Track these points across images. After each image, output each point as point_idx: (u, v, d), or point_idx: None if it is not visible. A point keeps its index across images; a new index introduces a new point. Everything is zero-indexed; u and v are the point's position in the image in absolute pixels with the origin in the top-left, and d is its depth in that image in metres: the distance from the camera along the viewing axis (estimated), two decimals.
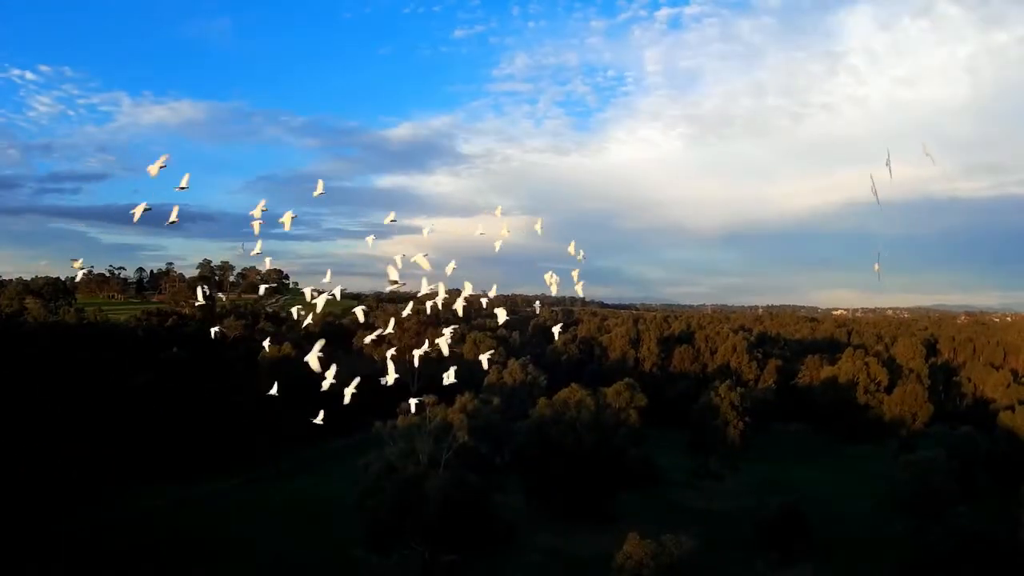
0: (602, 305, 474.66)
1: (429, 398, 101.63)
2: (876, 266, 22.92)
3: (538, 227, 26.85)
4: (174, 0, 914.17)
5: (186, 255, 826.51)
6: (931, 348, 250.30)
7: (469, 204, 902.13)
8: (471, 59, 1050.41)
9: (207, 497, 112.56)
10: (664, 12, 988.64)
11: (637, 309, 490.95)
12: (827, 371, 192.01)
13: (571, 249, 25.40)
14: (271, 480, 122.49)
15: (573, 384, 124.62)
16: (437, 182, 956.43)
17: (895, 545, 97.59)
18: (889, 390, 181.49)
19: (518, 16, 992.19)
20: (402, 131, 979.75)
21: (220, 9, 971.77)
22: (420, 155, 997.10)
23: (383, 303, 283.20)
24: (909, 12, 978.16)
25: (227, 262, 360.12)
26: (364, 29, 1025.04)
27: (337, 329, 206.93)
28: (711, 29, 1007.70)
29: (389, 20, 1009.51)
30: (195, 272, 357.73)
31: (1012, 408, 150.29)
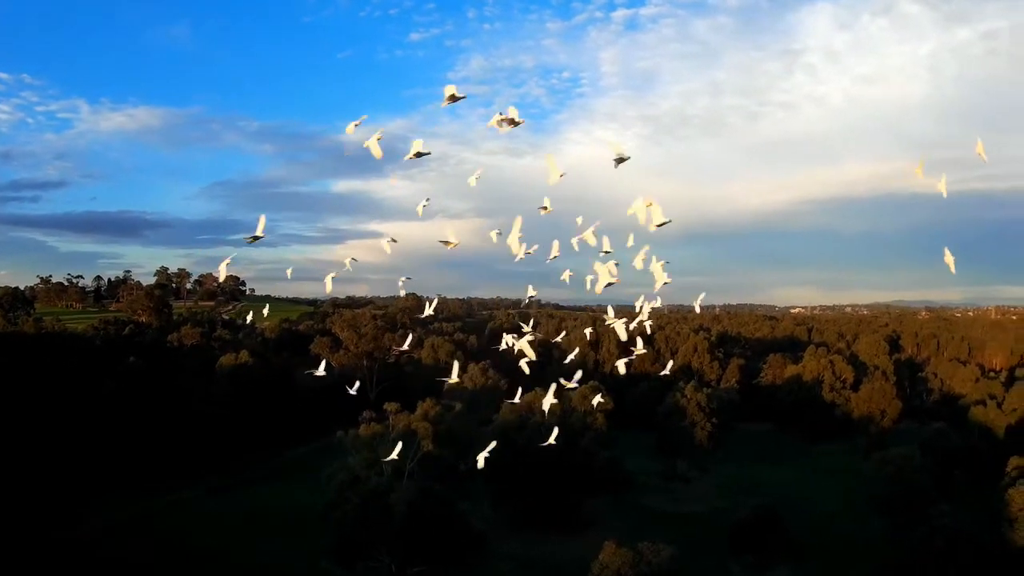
0: (557, 307, 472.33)
1: (391, 405, 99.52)
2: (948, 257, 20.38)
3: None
4: (133, 7, 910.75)
5: (143, 263, 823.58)
6: (894, 345, 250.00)
7: (424, 208, 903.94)
8: (427, 62, 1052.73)
9: (171, 508, 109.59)
10: (620, 13, 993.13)
11: (594, 311, 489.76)
12: (791, 370, 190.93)
13: (590, 238, 22.49)
14: (234, 490, 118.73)
15: (537, 388, 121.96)
16: (392, 186, 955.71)
17: (874, 545, 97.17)
18: (855, 387, 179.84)
19: (474, 19, 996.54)
20: (358, 135, 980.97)
21: (179, 15, 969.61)
22: (375, 159, 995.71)
23: (339, 308, 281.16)
24: (869, 11, 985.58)
25: (183, 269, 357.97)
26: (322, 33, 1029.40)
27: (294, 336, 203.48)
28: (668, 30, 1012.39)
29: (346, 24, 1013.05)
30: (152, 280, 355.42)
31: (983, 403, 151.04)
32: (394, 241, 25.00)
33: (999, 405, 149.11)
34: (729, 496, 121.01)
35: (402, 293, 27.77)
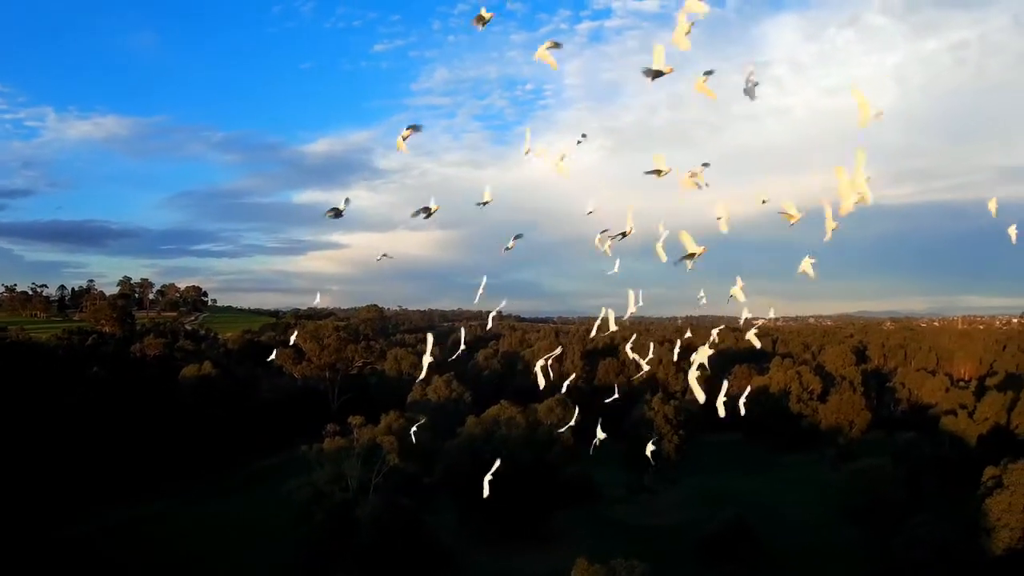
0: (520, 319, 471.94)
1: (356, 419, 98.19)
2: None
3: (590, 207, 22.76)
4: (100, 15, 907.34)
5: (107, 272, 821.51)
6: (861, 355, 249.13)
7: (386, 219, 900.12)
8: (391, 73, 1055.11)
9: (136, 521, 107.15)
10: (585, 25, 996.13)
11: (555, 322, 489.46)
12: (757, 381, 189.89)
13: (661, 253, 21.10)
14: (198, 503, 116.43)
15: (503, 401, 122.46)
16: (354, 196, 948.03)
17: (850, 556, 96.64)
18: (822, 398, 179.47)
19: (439, 30, 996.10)
20: (320, 146, 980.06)
21: (146, 24, 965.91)
22: (338, 170, 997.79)
23: (301, 319, 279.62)
24: (836, 23, 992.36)
25: (147, 279, 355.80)
26: (286, 44, 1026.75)
27: (256, 347, 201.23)
28: (632, 42, 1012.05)
29: (311, 35, 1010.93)
30: (116, 289, 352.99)
31: (955, 413, 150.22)
32: (388, 256, 23.58)
33: (971, 415, 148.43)
34: (698, 508, 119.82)
35: (378, 259, 25.84)
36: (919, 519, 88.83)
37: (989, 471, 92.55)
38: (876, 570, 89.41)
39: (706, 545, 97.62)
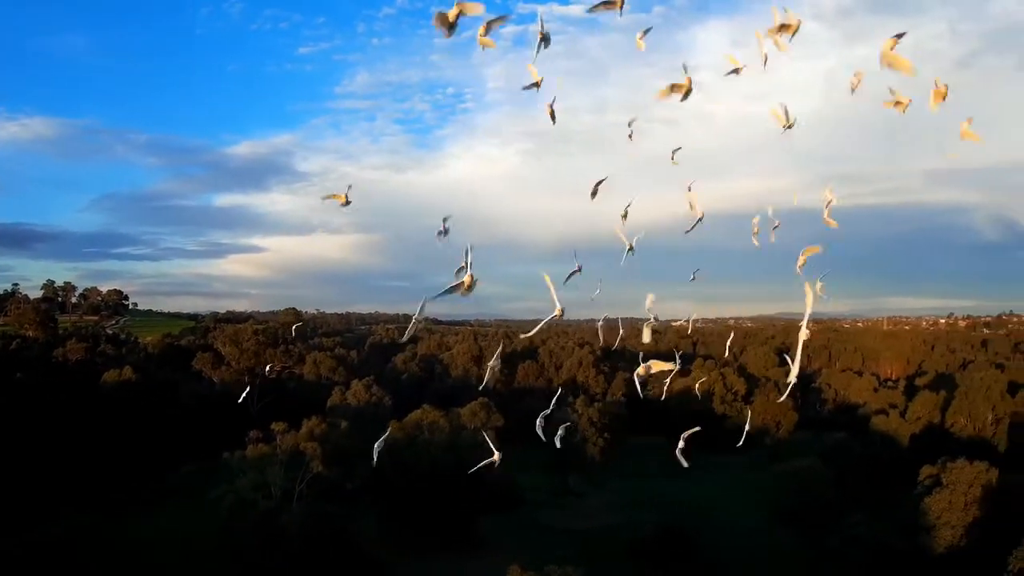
0: (437, 322, 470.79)
1: (278, 425, 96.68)
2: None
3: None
4: (29, 16, 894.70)
5: (32, 275, 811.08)
6: (784, 356, 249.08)
7: (305, 222, 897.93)
8: (314, 77, 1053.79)
9: (60, 537, 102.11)
10: (509, 30, 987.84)
11: (472, 325, 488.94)
12: (680, 383, 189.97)
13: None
14: (121, 516, 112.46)
15: (425, 405, 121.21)
16: (274, 200, 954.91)
17: (785, 557, 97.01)
18: (747, 399, 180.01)
19: (363, 33, 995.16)
20: (243, 149, 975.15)
21: (75, 25, 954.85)
22: (259, 173, 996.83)
23: (221, 323, 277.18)
24: (764, 28, 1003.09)
25: (70, 283, 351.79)
26: (213, 46, 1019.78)
27: (176, 351, 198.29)
28: (557, 46, 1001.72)
29: (237, 37, 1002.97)
30: (40, 293, 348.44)
31: (885, 412, 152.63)
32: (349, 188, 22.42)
33: (902, 414, 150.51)
34: (626, 511, 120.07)
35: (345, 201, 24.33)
36: (855, 519, 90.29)
37: (926, 470, 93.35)
38: (812, 571, 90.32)
39: (638, 549, 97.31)
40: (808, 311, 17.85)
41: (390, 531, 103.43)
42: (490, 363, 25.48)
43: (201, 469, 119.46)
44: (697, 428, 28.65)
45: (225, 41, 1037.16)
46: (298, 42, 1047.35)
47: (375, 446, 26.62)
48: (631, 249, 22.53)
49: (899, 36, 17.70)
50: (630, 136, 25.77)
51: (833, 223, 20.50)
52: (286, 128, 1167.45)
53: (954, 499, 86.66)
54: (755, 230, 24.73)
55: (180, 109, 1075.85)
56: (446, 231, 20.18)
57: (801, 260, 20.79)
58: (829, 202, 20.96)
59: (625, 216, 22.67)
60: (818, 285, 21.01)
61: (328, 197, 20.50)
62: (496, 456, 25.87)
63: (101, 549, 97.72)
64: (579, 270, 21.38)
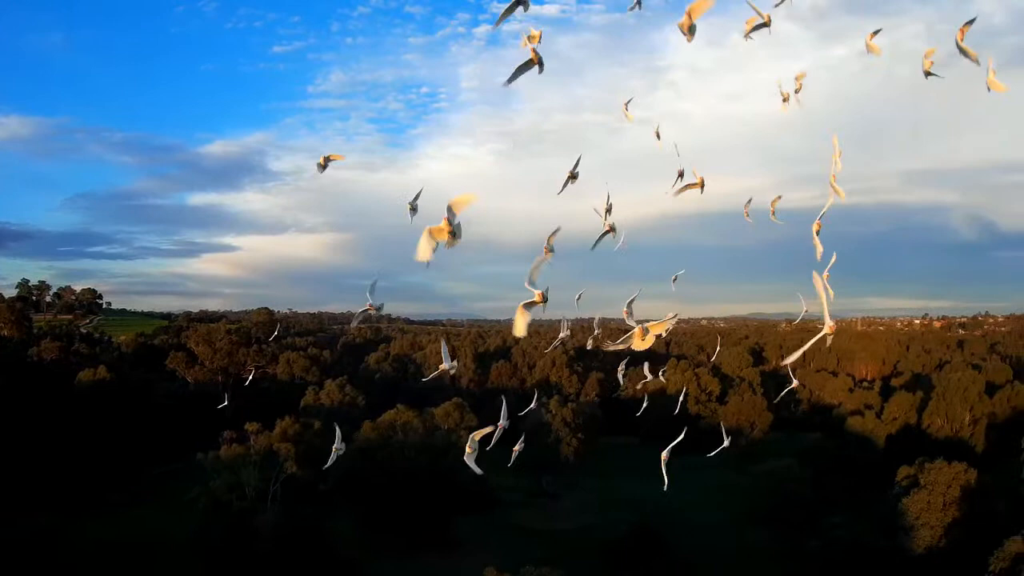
0: (409, 322, 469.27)
1: (252, 425, 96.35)
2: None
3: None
4: (10, 16, 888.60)
5: (7, 274, 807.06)
6: (757, 356, 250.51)
7: (278, 222, 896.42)
8: (288, 76, 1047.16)
9: (33, 537, 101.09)
10: (483, 29, 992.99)
11: (444, 325, 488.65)
12: (653, 383, 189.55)
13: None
14: (95, 517, 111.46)
15: (399, 405, 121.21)
16: (247, 200, 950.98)
17: (763, 558, 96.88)
18: (721, 400, 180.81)
19: (337, 32, 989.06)
20: (216, 148, 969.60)
21: (54, 25, 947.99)
22: (232, 173, 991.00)
23: (194, 323, 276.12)
24: (738, 29, 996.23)
25: (44, 282, 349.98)
26: (188, 45, 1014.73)
27: (150, 350, 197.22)
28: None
29: (212, 36, 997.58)
30: (15, 292, 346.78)
31: (861, 413, 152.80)
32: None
33: (878, 415, 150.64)
34: (601, 511, 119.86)
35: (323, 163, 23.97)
36: (834, 519, 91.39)
37: (903, 470, 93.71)
38: (792, 571, 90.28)
39: (614, 550, 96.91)
40: (826, 306, 17.50)
41: (365, 532, 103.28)
42: (442, 366, 25.12)
43: (176, 469, 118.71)
44: (680, 439, 28.48)
45: (199, 40, 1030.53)
46: (273, 41, 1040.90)
47: (333, 449, 26.49)
48: (610, 231, 21.93)
49: (970, 23, 17.57)
50: (625, 107, 24.37)
51: (841, 192, 19.49)
52: (259, 127, 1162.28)
53: (932, 500, 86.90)
54: (746, 211, 24.50)
55: (155, 108, 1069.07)
56: (415, 208, 19.88)
57: (816, 226, 20.60)
58: (835, 173, 19.44)
59: (609, 210, 22.19)
60: (825, 276, 20.87)
61: (328, 159, 20.19)
62: (447, 365, 25.69)
63: (75, 549, 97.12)
64: (551, 252, 20.98)
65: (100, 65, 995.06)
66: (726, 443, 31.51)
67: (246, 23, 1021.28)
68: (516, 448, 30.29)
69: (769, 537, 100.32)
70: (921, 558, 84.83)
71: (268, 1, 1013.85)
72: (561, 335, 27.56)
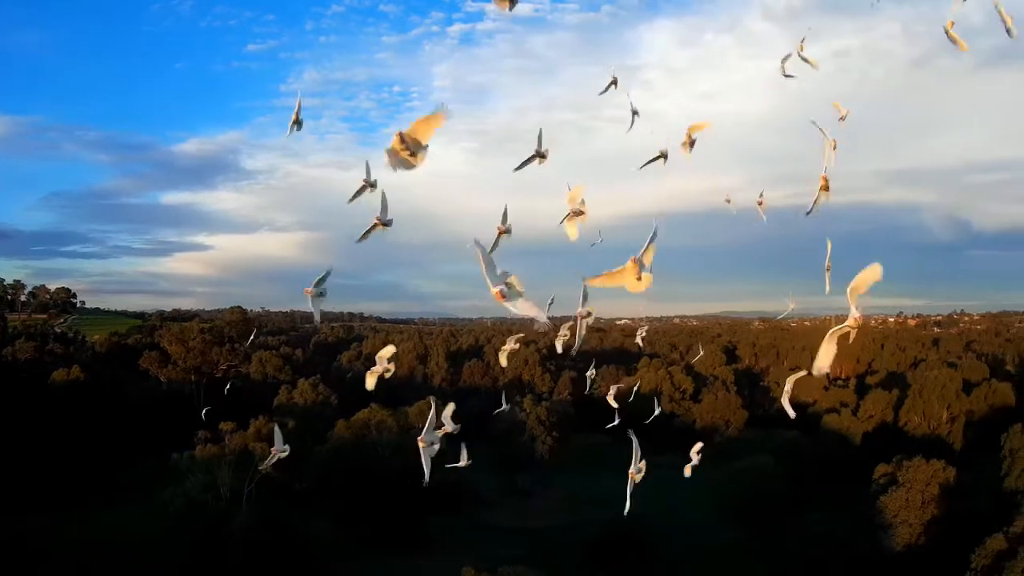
0: (381, 320, 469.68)
1: (227, 424, 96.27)
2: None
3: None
4: None
5: None
6: (731, 354, 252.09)
7: (251, 220, 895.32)
8: (261, 74, 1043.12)
9: (7, 538, 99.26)
10: (457, 28, 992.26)
11: (416, 323, 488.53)
12: (627, 381, 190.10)
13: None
14: (70, 519, 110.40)
15: (372, 404, 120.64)
16: (220, 198, 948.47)
17: (742, 556, 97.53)
18: (695, 398, 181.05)
19: (311, 31, 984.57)
20: (190, 147, 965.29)
21: (32, 23, 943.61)
22: (206, 171, 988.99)
23: (167, 322, 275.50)
24: (713, 28, 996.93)
25: (19, 281, 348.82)
26: (162, 43, 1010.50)
27: (124, 350, 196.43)
28: (504, 45, 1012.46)
29: (187, 34, 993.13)
30: None
31: (836, 411, 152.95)
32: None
33: (854, 412, 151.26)
34: (576, 510, 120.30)
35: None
36: (814, 517, 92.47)
37: (881, 468, 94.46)
38: (772, 570, 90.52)
39: (591, 548, 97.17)
40: (853, 301, 17.12)
41: (340, 531, 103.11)
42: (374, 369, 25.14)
43: (151, 469, 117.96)
44: (701, 444, 28.76)
45: (173, 38, 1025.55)
46: (247, 39, 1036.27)
47: (273, 451, 26.53)
48: (576, 215, 21.67)
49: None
50: (614, 83, 25.18)
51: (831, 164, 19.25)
52: (233, 126, 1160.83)
53: (911, 497, 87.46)
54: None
55: (129, 106, 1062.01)
56: (373, 183, 19.70)
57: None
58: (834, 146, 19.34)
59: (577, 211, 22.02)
60: (827, 265, 21.03)
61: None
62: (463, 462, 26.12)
63: (50, 550, 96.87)
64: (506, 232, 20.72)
65: (75, 63, 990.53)
66: (695, 461, 31.63)
67: (221, 21, 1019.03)
68: (461, 464, 30.47)
69: (746, 535, 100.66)
70: (901, 556, 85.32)
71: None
72: (513, 342, 27.58)
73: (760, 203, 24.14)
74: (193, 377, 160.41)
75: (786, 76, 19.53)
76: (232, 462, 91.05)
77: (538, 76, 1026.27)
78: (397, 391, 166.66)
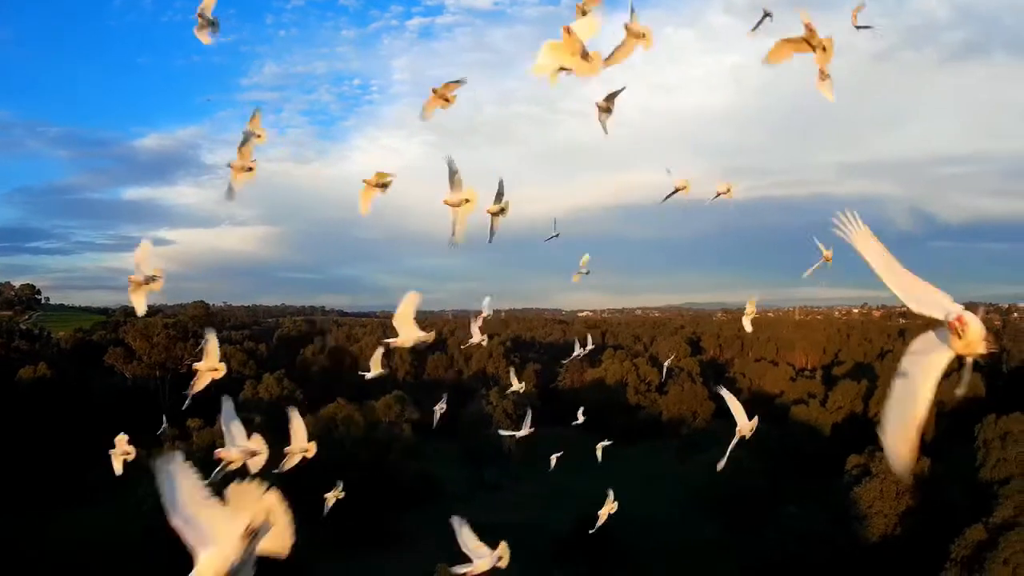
0: (342, 314, 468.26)
1: (194, 421, 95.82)
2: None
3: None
4: None
5: None
6: (695, 346, 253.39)
7: (211, 215, 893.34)
8: (222, 68, 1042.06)
9: None
10: (416, 22, 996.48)
11: (378, 317, 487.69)
12: (592, 373, 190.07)
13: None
14: (38, 520, 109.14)
15: (339, 399, 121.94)
16: (181, 193, 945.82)
17: (714, 550, 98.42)
18: (661, 390, 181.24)
19: (271, 24, 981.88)
20: (151, 142, 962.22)
21: (3, 22, 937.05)
22: (166, 166, 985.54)
23: (131, 317, 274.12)
24: (674, 22, 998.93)
25: None
26: (124, 38, 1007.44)
27: (88, 346, 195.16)
28: (464, 38, 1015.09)
29: (149, 29, 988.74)
30: None
31: (805, 402, 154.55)
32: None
33: (822, 403, 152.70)
34: (544, 504, 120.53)
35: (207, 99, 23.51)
36: (788, 509, 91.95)
37: (853, 459, 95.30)
38: (748, 563, 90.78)
39: (560, 542, 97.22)
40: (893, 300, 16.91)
41: (308, 529, 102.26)
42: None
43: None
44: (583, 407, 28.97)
45: (136, 33, 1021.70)
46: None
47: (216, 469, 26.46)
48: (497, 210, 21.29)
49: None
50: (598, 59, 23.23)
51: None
52: (193, 120, 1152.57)
53: (885, 488, 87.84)
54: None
55: (91, 101, 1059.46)
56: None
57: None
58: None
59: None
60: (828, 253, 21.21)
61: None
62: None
63: (20, 551, 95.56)
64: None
65: (37, 58, 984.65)
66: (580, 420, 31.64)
67: (182, 16, 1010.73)
68: (522, 432, 30.45)
69: (718, 528, 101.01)
70: (877, 547, 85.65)
71: None
72: (475, 340, 27.73)
73: (728, 190, 23.86)
74: (158, 373, 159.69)
75: (858, 28, 19.11)
76: (200, 459, 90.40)
77: (496, 69, 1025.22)
78: (362, 385, 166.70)
